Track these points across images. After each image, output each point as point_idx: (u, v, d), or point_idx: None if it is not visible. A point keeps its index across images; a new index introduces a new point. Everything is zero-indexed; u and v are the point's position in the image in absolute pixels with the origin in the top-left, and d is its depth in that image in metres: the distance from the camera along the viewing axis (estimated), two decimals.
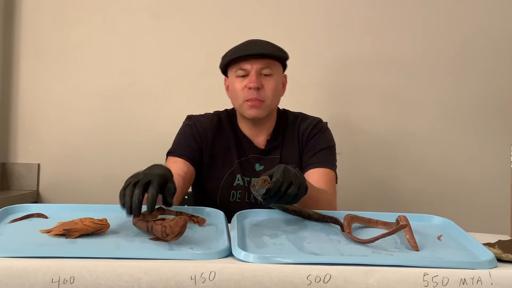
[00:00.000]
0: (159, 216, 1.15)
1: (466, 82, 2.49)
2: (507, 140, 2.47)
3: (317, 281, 0.92)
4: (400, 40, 2.49)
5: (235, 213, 1.25)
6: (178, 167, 1.61)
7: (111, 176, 2.46)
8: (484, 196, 2.46)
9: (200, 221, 1.21)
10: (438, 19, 2.49)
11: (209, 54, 2.48)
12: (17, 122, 2.50)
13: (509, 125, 2.47)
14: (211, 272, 0.92)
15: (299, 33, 2.43)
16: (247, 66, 1.65)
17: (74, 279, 0.90)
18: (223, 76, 2.46)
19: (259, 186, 1.15)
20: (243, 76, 1.66)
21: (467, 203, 2.45)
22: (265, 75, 1.66)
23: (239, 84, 1.66)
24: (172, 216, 1.11)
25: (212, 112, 1.81)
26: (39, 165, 2.49)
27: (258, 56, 1.65)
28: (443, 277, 0.93)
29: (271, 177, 1.18)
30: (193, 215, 1.22)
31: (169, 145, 2.64)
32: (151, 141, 2.47)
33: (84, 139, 2.48)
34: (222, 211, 1.63)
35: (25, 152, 2.50)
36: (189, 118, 1.78)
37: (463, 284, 0.93)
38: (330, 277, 0.93)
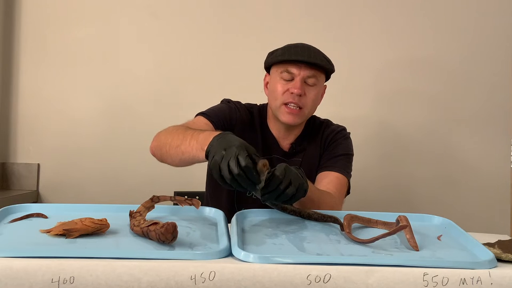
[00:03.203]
0: (155, 205, 1.22)
1: (466, 83, 2.49)
2: (507, 140, 2.47)
3: (317, 281, 0.92)
4: (400, 42, 2.50)
5: (248, 209, 1.27)
6: (205, 129, 1.56)
7: (111, 176, 2.47)
8: (484, 196, 2.47)
9: (195, 203, 1.22)
10: (441, 21, 2.50)
11: (209, 53, 2.50)
12: (17, 122, 2.50)
13: (509, 125, 2.48)
14: (211, 272, 0.92)
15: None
16: (294, 70, 1.64)
17: (74, 279, 0.90)
18: (222, 76, 2.50)
19: (259, 170, 1.14)
20: (287, 79, 1.65)
21: (467, 203, 2.46)
22: (309, 83, 1.65)
23: (281, 86, 1.65)
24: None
25: (244, 102, 1.80)
26: (39, 165, 2.49)
27: (307, 64, 1.63)
28: (443, 277, 0.93)
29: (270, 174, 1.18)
30: (187, 198, 1.23)
31: None
32: (151, 141, 2.47)
33: (84, 140, 2.48)
34: (237, 204, 1.66)
35: (25, 152, 2.50)
36: (228, 101, 1.76)
37: (463, 284, 0.93)
38: (330, 277, 0.93)
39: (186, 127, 1.46)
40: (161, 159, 1.52)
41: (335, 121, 1.82)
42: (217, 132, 1.27)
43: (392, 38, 2.49)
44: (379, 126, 2.50)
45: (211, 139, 1.24)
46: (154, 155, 1.55)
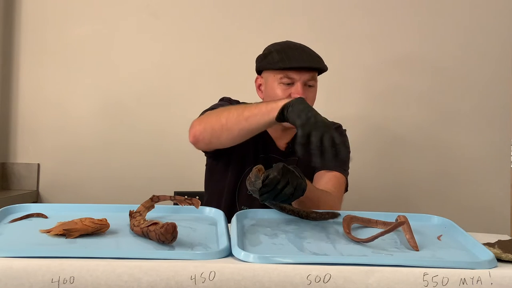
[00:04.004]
0: (155, 205, 1.22)
1: (466, 82, 2.49)
2: (507, 140, 2.47)
3: (317, 281, 0.92)
4: (398, 40, 2.50)
5: (248, 207, 1.28)
6: None
7: (111, 176, 2.47)
8: (484, 196, 2.46)
9: (195, 203, 1.22)
10: (438, 19, 2.50)
11: (209, 53, 2.50)
12: (17, 122, 2.50)
13: (509, 125, 2.48)
14: (211, 272, 0.92)
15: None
16: (294, 76, 1.62)
17: (74, 279, 0.90)
18: (222, 76, 2.49)
19: (254, 177, 1.15)
20: (287, 83, 1.63)
21: (467, 203, 2.46)
22: (309, 85, 1.65)
23: (282, 92, 1.63)
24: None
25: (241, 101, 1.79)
26: (39, 165, 2.49)
27: (307, 68, 1.62)
28: (443, 277, 0.93)
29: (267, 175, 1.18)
30: (187, 198, 1.24)
31: (169, 144, 2.63)
32: (151, 141, 2.47)
33: (84, 139, 2.48)
34: (238, 204, 1.67)
35: (25, 152, 2.50)
36: (229, 99, 1.76)
37: (463, 284, 0.93)
38: (330, 277, 0.93)
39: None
40: (210, 141, 1.51)
41: (329, 119, 1.81)
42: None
43: (389, 36, 2.49)
44: (376, 125, 2.49)
45: (286, 100, 1.32)
46: (198, 141, 1.52)
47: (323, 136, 1.19)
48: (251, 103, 1.44)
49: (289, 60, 1.62)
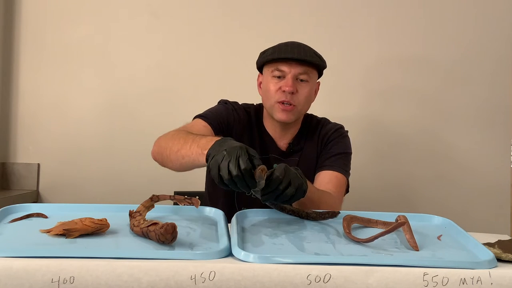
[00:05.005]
0: (155, 205, 1.23)
1: (466, 83, 2.49)
2: (507, 140, 2.47)
3: (317, 281, 0.92)
4: (399, 40, 2.50)
5: (248, 208, 1.28)
6: (204, 131, 1.58)
7: (111, 175, 2.47)
8: (484, 196, 2.46)
9: (194, 202, 1.23)
10: (440, 19, 2.50)
11: (209, 53, 2.50)
12: (17, 122, 2.50)
13: (509, 125, 2.48)
14: (211, 272, 0.92)
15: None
16: (285, 68, 1.64)
17: (74, 279, 0.90)
18: (223, 76, 2.50)
19: (258, 177, 1.15)
20: (279, 77, 1.65)
21: (467, 203, 2.46)
22: (301, 80, 1.65)
23: (273, 85, 1.66)
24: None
25: (240, 103, 1.80)
26: (39, 165, 2.49)
27: (297, 61, 1.64)
28: (443, 277, 0.93)
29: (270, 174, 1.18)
30: (187, 198, 1.24)
31: None
32: (151, 141, 2.46)
33: (84, 139, 2.48)
34: (238, 204, 1.67)
35: (25, 152, 2.50)
36: (226, 102, 1.76)
37: (463, 284, 0.93)
38: (330, 277, 0.93)
39: (187, 132, 1.46)
40: (163, 164, 1.53)
41: (330, 119, 1.82)
42: (219, 137, 1.28)
43: (390, 37, 2.49)
44: (377, 124, 2.49)
45: (212, 143, 1.25)
46: (155, 160, 1.55)
47: (229, 162, 1.13)
48: (195, 137, 1.36)
49: (279, 52, 1.65)
